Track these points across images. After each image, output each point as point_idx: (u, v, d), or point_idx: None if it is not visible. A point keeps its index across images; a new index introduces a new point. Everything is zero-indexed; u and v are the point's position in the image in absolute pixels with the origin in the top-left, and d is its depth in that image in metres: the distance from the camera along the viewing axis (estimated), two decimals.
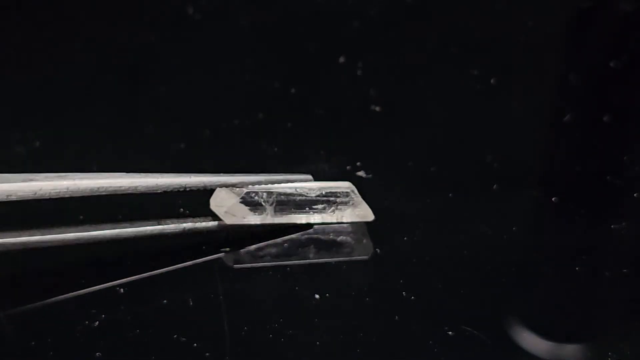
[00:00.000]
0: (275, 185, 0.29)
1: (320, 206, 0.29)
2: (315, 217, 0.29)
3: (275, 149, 0.33)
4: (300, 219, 0.29)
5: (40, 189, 0.26)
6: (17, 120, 0.34)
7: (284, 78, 0.37)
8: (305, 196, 0.29)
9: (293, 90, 0.36)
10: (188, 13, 0.40)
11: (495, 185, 0.32)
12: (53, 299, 0.27)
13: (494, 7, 0.42)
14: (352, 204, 0.29)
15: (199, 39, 0.39)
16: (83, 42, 0.39)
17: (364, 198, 0.29)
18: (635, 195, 0.32)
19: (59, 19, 0.40)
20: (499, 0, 0.42)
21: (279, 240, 0.29)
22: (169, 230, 0.28)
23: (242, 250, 0.29)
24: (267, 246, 0.29)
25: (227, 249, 0.29)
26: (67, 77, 0.37)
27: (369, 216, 0.29)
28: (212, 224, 0.29)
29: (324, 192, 0.29)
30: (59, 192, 0.26)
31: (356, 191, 0.29)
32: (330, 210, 0.29)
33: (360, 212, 0.29)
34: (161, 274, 0.28)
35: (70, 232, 0.27)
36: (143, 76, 0.37)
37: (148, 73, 0.37)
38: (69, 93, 0.36)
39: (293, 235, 0.29)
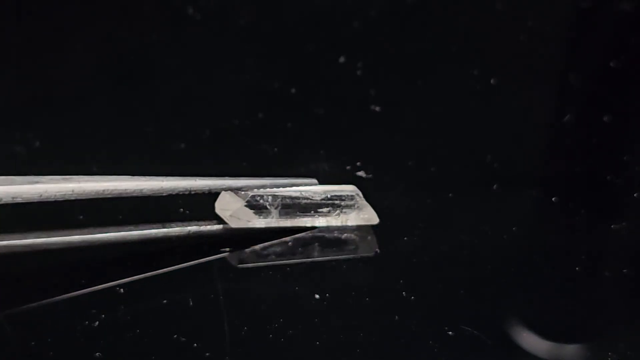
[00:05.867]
0: (281, 188, 0.29)
1: (325, 209, 0.29)
2: (320, 221, 0.29)
3: (275, 149, 0.33)
4: (306, 222, 0.29)
5: (46, 191, 0.26)
6: (17, 120, 0.34)
7: (284, 78, 0.37)
8: (311, 200, 0.29)
9: (293, 90, 0.36)
10: (188, 13, 0.40)
11: (495, 185, 0.32)
12: (53, 299, 0.27)
13: (494, 7, 0.42)
14: (357, 207, 0.29)
15: (199, 39, 0.39)
16: (83, 42, 0.39)
17: (364, 198, 0.29)
18: (635, 195, 0.32)
19: (59, 19, 0.40)
20: (499, 0, 0.42)
21: (283, 239, 0.29)
22: (173, 234, 0.28)
23: (246, 249, 0.29)
24: (271, 245, 0.29)
25: (230, 249, 0.29)
26: (67, 77, 0.37)
27: (374, 219, 0.29)
28: (216, 227, 0.29)
29: (329, 196, 0.29)
30: (65, 194, 0.26)
31: (361, 194, 0.29)
32: (335, 214, 0.29)
33: (365, 215, 0.29)
34: (163, 273, 0.28)
35: (74, 235, 0.27)
36: (143, 76, 0.37)
37: (148, 73, 0.37)
38: (69, 93, 0.36)
39: (297, 235, 0.29)
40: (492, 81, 0.37)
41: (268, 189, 0.29)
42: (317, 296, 0.28)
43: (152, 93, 0.36)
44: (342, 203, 0.29)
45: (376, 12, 0.41)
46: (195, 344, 0.26)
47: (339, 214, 0.29)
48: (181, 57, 0.38)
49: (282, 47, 0.39)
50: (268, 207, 0.29)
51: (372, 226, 0.30)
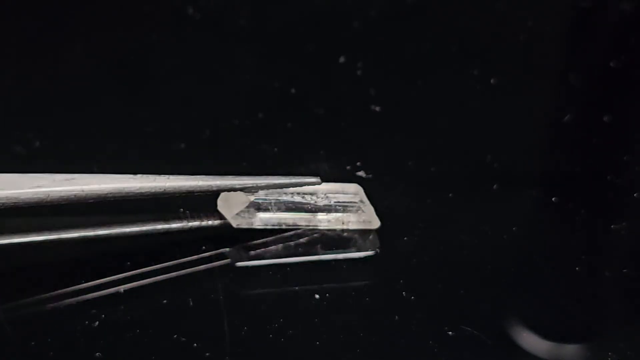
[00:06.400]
0: (284, 190, 0.29)
1: (327, 212, 0.29)
2: (322, 224, 0.29)
3: (275, 149, 0.33)
4: (307, 225, 0.29)
5: (48, 196, 0.26)
6: (17, 120, 0.34)
7: (284, 78, 0.37)
8: (313, 204, 0.29)
9: (293, 90, 0.36)
10: (188, 13, 0.40)
11: (495, 185, 0.32)
12: (53, 299, 0.27)
13: (494, 7, 0.42)
14: (359, 210, 0.29)
15: (199, 39, 0.39)
16: (83, 42, 0.39)
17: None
18: (635, 195, 0.32)
19: (59, 19, 0.40)
20: (499, 0, 0.42)
21: (284, 235, 0.29)
22: (175, 231, 0.28)
23: (246, 249, 0.29)
24: (272, 243, 0.29)
25: (231, 248, 0.29)
26: (67, 76, 0.37)
27: (375, 223, 0.29)
28: (218, 226, 0.29)
29: (332, 202, 0.29)
30: (68, 198, 0.26)
31: (364, 197, 0.29)
32: (337, 217, 0.29)
33: (366, 218, 0.29)
34: (161, 272, 0.28)
35: (75, 230, 0.27)
36: (143, 76, 0.37)
37: (148, 73, 0.37)
38: (69, 93, 0.36)
39: (299, 231, 0.29)
40: (492, 81, 0.37)
41: (271, 191, 0.29)
42: (317, 296, 0.28)
43: (152, 93, 0.36)
44: (345, 207, 0.29)
45: (376, 12, 0.41)
46: (195, 344, 0.26)
47: (340, 217, 0.29)
48: (181, 57, 0.38)
49: (282, 47, 0.39)
50: (270, 208, 0.29)
51: None
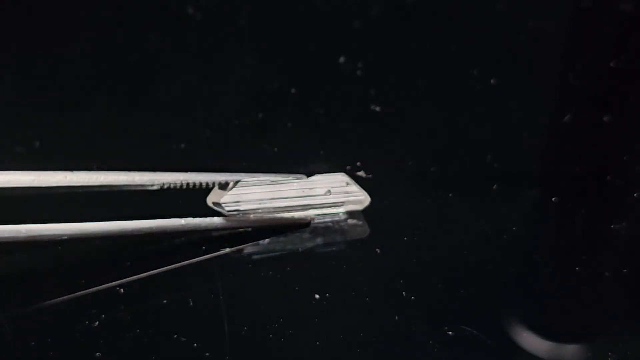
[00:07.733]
0: (272, 180, 0.29)
1: (317, 197, 0.29)
2: (313, 209, 0.30)
3: (275, 149, 0.33)
4: (298, 211, 0.29)
5: (39, 177, 0.26)
6: (17, 120, 0.34)
7: (284, 78, 0.37)
8: (302, 189, 0.29)
9: (293, 90, 0.36)
10: (188, 13, 0.40)
11: (495, 185, 0.32)
12: (53, 298, 0.27)
13: (494, 7, 0.42)
14: (348, 191, 0.30)
15: (199, 39, 0.39)
16: (83, 41, 0.39)
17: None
18: (635, 195, 0.32)
19: (59, 19, 0.40)
20: (499, 0, 0.42)
21: (284, 234, 0.29)
22: (168, 228, 0.28)
23: (241, 243, 0.29)
24: (272, 242, 0.29)
25: (225, 242, 0.29)
26: (67, 77, 0.37)
27: (366, 201, 0.30)
28: (210, 221, 0.29)
29: (319, 184, 0.29)
30: (58, 180, 0.27)
31: (351, 180, 0.29)
32: (327, 200, 0.29)
33: (356, 198, 0.30)
34: (161, 272, 0.28)
35: (71, 228, 0.28)
36: (143, 76, 0.37)
37: (148, 73, 0.37)
38: (69, 93, 0.36)
39: (291, 227, 0.30)
40: (492, 81, 0.37)
41: (259, 181, 0.29)
42: (317, 296, 0.28)
43: (152, 93, 0.36)
44: (333, 189, 0.29)
45: (376, 12, 0.41)
46: (195, 344, 0.26)
47: (330, 200, 0.30)
48: (181, 57, 0.38)
49: (282, 47, 0.39)
50: (260, 199, 0.29)
51: (371, 225, 0.30)
